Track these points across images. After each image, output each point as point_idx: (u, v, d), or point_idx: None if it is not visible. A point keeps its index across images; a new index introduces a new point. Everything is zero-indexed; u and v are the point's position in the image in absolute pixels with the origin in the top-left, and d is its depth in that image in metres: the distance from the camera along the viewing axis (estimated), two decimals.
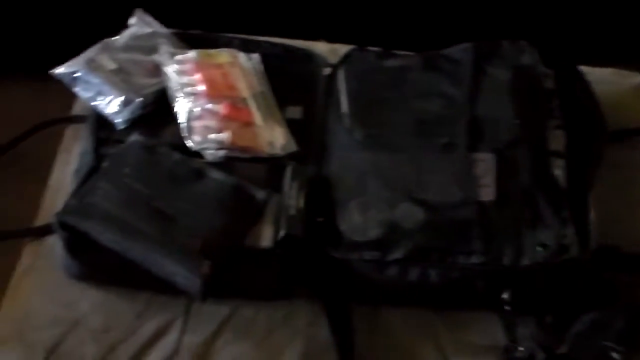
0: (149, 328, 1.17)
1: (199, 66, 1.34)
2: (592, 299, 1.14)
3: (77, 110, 1.43)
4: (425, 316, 1.19)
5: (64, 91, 1.37)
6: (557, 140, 1.26)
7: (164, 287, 1.14)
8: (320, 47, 1.50)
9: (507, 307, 1.13)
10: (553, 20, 1.98)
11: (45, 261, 1.23)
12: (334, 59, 1.43)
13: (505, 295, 1.13)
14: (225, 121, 1.27)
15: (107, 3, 1.89)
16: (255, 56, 1.40)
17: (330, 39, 1.55)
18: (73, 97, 1.41)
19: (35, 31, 2.01)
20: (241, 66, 1.37)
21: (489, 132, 1.26)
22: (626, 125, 1.38)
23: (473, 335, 1.17)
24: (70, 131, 1.42)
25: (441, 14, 1.96)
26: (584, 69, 1.39)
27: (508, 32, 1.40)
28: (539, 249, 1.14)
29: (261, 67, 1.39)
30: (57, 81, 1.36)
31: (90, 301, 1.19)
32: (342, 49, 1.46)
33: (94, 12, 1.92)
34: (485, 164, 1.22)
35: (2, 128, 1.48)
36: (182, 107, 1.29)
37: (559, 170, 1.22)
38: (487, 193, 1.19)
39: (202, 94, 1.30)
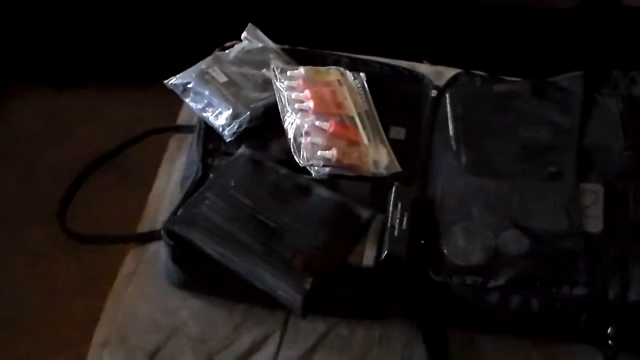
0: (246, 340, 1.18)
1: (308, 83, 1.35)
2: None
3: (181, 120, 1.46)
4: (522, 346, 1.18)
5: (163, 101, 1.40)
6: None
7: (262, 300, 1.15)
8: (424, 69, 1.50)
9: (610, 342, 1.11)
10: None
11: (147, 267, 1.26)
12: (437, 81, 1.44)
13: (609, 331, 1.11)
14: (332, 139, 1.28)
15: (217, 17, 1.93)
16: (362, 75, 1.42)
17: (433, 61, 1.55)
18: (169, 107, 1.44)
19: (139, 40, 2.07)
20: (348, 84, 1.38)
21: (598, 163, 1.24)
22: None
23: None
24: (174, 141, 1.44)
25: (547, 39, 1.95)
26: None
27: (618, 61, 1.39)
28: None
29: (367, 86, 1.40)
30: (157, 91, 1.39)
31: (190, 309, 1.21)
32: (446, 71, 1.47)
33: (201, 25, 1.96)
34: (593, 194, 1.20)
35: (102, 132, 1.52)
36: (290, 123, 1.30)
37: None
38: (595, 224, 1.17)
39: (310, 111, 1.31)
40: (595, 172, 1.23)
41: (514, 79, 1.44)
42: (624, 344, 1.11)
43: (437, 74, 1.48)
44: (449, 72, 1.45)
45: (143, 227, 1.31)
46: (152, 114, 1.49)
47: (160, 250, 1.22)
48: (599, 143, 1.27)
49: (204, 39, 1.45)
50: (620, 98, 1.32)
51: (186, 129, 1.42)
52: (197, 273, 1.20)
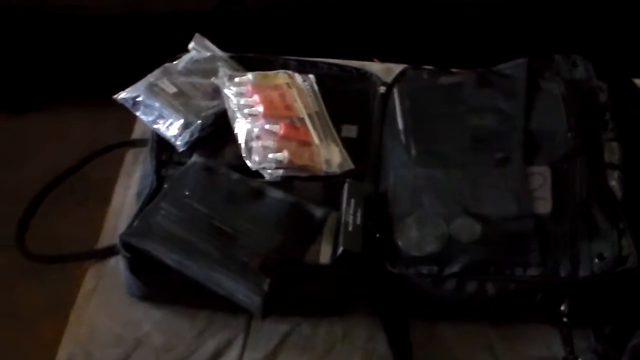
0: (210, 346, 1.19)
1: (256, 88, 1.36)
2: None
3: (137, 134, 1.47)
4: (482, 329, 1.20)
5: (120, 116, 1.41)
6: (612, 152, 1.26)
7: (224, 306, 1.16)
8: (374, 67, 1.52)
9: (565, 319, 1.12)
10: (607, 34, 1.98)
11: (108, 282, 1.26)
12: (388, 78, 1.45)
13: (563, 307, 1.13)
14: (283, 141, 1.30)
15: (164, 29, 1.94)
16: (311, 77, 1.43)
17: (384, 59, 1.57)
18: (128, 122, 1.45)
19: (93, 58, 2.07)
20: (297, 87, 1.40)
21: (544, 146, 1.26)
22: None
23: (530, 348, 1.17)
24: (130, 155, 1.45)
25: (493, 30, 1.97)
26: (638, 81, 1.39)
27: (561, 47, 1.41)
28: (596, 260, 1.14)
29: (317, 87, 1.41)
30: (113, 106, 1.39)
31: (152, 320, 1.21)
32: (396, 68, 1.48)
33: (152, 38, 1.97)
34: (541, 177, 1.22)
35: (62, 153, 1.52)
36: (241, 128, 1.32)
37: (614, 182, 1.22)
38: (544, 206, 1.19)
39: (260, 115, 1.32)
40: (542, 155, 1.25)
41: (460, 70, 1.45)
42: (577, 319, 1.13)
43: (387, 71, 1.50)
44: (399, 69, 1.46)
45: (102, 242, 1.32)
46: (113, 130, 1.48)
47: (119, 264, 1.23)
48: (543, 127, 1.28)
49: (156, 52, 1.45)
50: (562, 82, 1.33)
51: (141, 142, 1.43)
52: (156, 283, 1.20)
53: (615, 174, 1.23)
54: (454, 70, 1.45)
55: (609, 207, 1.19)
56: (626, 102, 1.34)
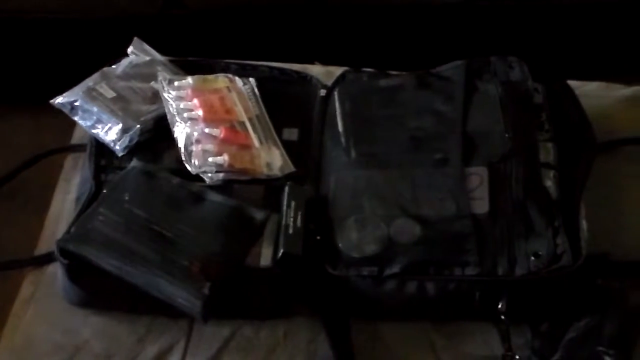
0: (151, 352, 1.18)
1: (196, 92, 1.36)
2: (585, 306, 1.15)
3: (76, 139, 1.45)
4: (423, 329, 1.20)
5: (62, 121, 1.39)
6: (547, 152, 1.28)
7: (165, 311, 1.16)
8: (316, 70, 1.52)
9: (502, 317, 1.14)
10: (542, 37, 2.01)
11: (46, 289, 1.25)
12: (329, 81, 1.45)
13: (500, 305, 1.14)
14: (223, 144, 1.30)
15: (104, 33, 1.92)
16: (252, 80, 1.43)
17: (325, 62, 1.57)
18: (71, 126, 1.44)
19: (32, 62, 2.04)
20: (238, 90, 1.39)
21: (481, 147, 1.27)
22: (613, 135, 1.39)
23: (470, 346, 1.18)
24: (69, 160, 1.44)
25: (432, 33, 1.99)
26: (572, 83, 1.41)
27: (498, 49, 1.42)
28: (532, 258, 1.15)
29: (257, 91, 1.41)
30: (55, 111, 1.37)
31: (91, 327, 1.20)
32: (337, 71, 1.48)
33: (92, 42, 1.95)
34: (478, 177, 1.23)
35: (1, 159, 1.50)
36: (180, 132, 1.31)
37: (550, 182, 1.24)
38: (481, 206, 1.21)
39: (199, 119, 1.32)
40: (479, 155, 1.26)
41: (400, 72, 1.46)
42: (515, 317, 1.14)
43: (328, 74, 1.50)
44: (340, 72, 1.47)
45: (41, 249, 1.31)
46: (54, 136, 1.47)
47: (58, 270, 1.21)
48: (481, 128, 1.30)
49: (96, 56, 1.44)
50: (499, 83, 1.35)
51: (80, 148, 1.41)
52: (95, 289, 1.20)
53: (551, 173, 1.25)
54: (393, 72, 1.46)
55: (545, 206, 1.21)
56: (561, 103, 1.36)
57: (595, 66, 1.74)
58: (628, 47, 2.08)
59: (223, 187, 1.26)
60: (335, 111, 1.38)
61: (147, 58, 1.46)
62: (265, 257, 1.18)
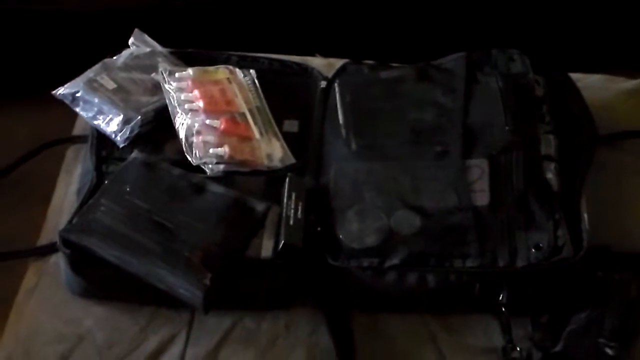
0: (152, 342, 1.18)
1: (197, 83, 1.36)
2: (586, 298, 1.15)
3: (77, 130, 1.46)
4: (424, 321, 1.21)
5: (64, 112, 1.40)
6: (548, 144, 1.28)
7: (166, 301, 1.16)
8: (316, 62, 1.53)
9: (503, 309, 1.14)
10: (544, 29, 2.01)
11: (49, 279, 1.25)
12: (329, 73, 1.46)
13: (501, 297, 1.14)
14: (224, 136, 1.30)
15: (105, 24, 1.92)
16: (252, 72, 1.43)
17: (326, 54, 1.57)
18: (73, 118, 1.44)
19: (34, 54, 2.04)
20: (238, 82, 1.40)
21: (482, 139, 1.27)
22: (615, 128, 1.40)
23: (471, 338, 1.18)
24: (71, 152, 1.44)
25: (433, 25, 1.99)
26: (573, 75, 1.41)
27: (500, 41, 1.43)
28: (533, 250, 1.16)
29: (258, 82, 1.41)
30: (58, 102, 1.38)
31: (94, 317, 1.20)
32: (338, 63, 1.48)
33: (93, 33, 1.95)
34: (478, 169, 1.24)
35: (4, 150, 1.50)
36: (181, 124, 1.31)
37: (551, 174, 1.24)
38: (482, 198, 1.21)
39: (200, 110, 1.32)
40: (480, 148, 1.26)
41: (401, 64, 1.46)
42: (515, 309, 1.15)
43: (329, 66, 1.51)
44: (340, 64, 1.47)
45: (43, 239, 1.31)
46: (59, 126, 1.48)
47: (60, 261, 1.22)
48: (481, 120, 1.30)
49: (96, 47, 1.44)
50: (499, 76, 1.35)
51: (81, 139, 1.42)
52: (97, 279, 1.20)
53: (552, 166, 1.25)
54: (394, 64, 1.46)
55: (545, 198, 1.21)
56: (563, 96, 1.36)
57: (597, 59, 1.74)
58: (631, 40, 2.08)
59: (224, 179, 1.26)
60: (336, 103, 1.38)
61: (148, 49, 1.46)
62: (266, 248, 1.18)
